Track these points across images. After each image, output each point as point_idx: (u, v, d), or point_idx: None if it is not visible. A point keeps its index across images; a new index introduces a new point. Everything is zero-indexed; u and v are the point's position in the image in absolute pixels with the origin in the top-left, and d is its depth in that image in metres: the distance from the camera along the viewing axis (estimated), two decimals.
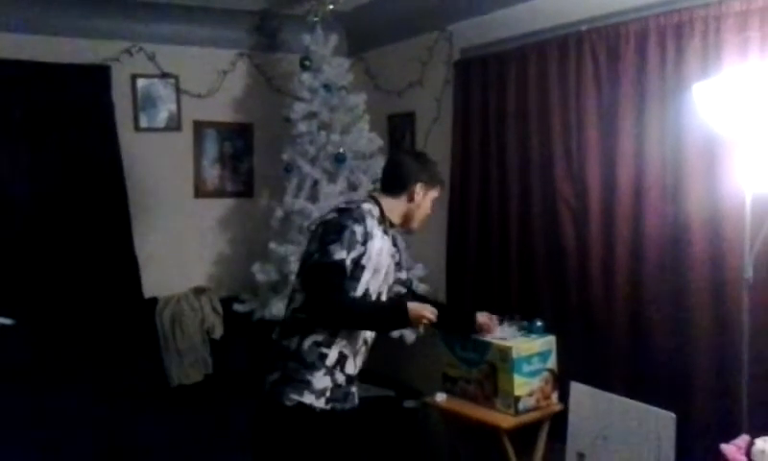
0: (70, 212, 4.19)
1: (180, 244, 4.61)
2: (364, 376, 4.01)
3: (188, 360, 4.34)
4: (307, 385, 2.49)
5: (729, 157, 2.78)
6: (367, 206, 2.60)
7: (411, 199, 2.67)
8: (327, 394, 2.52)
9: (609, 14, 3.28)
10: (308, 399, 2.49)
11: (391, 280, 2.71)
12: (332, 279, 2.44)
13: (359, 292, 2.53)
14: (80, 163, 4.21)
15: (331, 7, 4.26)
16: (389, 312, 2.63)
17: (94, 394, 3.83)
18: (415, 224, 2.74)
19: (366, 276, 2.53)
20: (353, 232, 2.47)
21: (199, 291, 4.53)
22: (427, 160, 2.78)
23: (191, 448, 3.61)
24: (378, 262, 2.56)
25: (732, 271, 2.81)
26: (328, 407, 2.52)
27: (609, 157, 3.29)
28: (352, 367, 2.62)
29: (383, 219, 2.64)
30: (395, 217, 2.68)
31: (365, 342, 2.66)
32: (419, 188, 2.67)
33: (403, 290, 2.90)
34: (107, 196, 4.28)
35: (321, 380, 2.51)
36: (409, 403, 4.28)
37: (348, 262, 2.46)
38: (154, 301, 4.38)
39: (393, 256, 2.71)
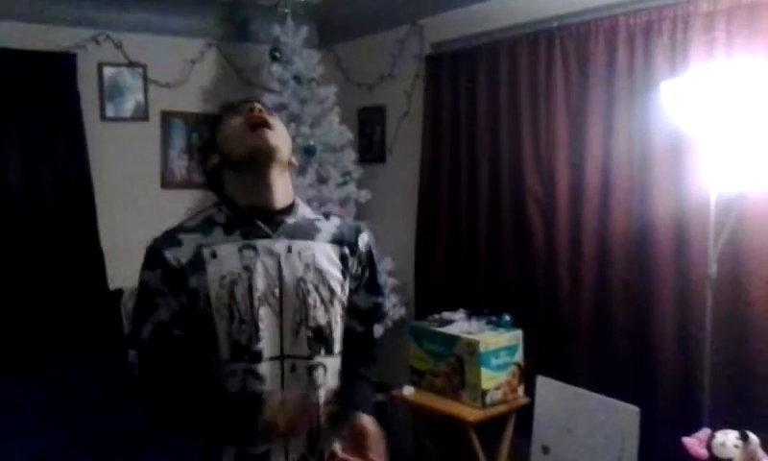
0: (33, 203, 4.10)
1: (147, 235, 4.51)
2: None
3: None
4: None
5: (694, 155, 2.83)
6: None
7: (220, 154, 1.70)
8: None
9: (579, 12, 3.31)
10: None
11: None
12: None
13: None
14: (44, 153, 4.12)
15: None
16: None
17: (57, 386, 3.77)
18: (246, 161, 1.64)
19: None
20: None
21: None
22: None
23: (156, 440, 3.57)
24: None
25: (696, 267, 2.86)
26: None
27: (577, 154, 3.33)
28: None
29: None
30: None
31: None
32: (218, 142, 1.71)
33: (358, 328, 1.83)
34: (72, 186, 4.20)
35: None
36: (376, 397, 4.28)
37: None
38: (119, 292, 4.32)
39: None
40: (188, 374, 1.64)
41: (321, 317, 1.67)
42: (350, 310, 1.77)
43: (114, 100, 4.42)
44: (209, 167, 1.74)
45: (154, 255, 1.67)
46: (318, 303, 1.66)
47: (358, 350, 1.83)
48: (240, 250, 1.62)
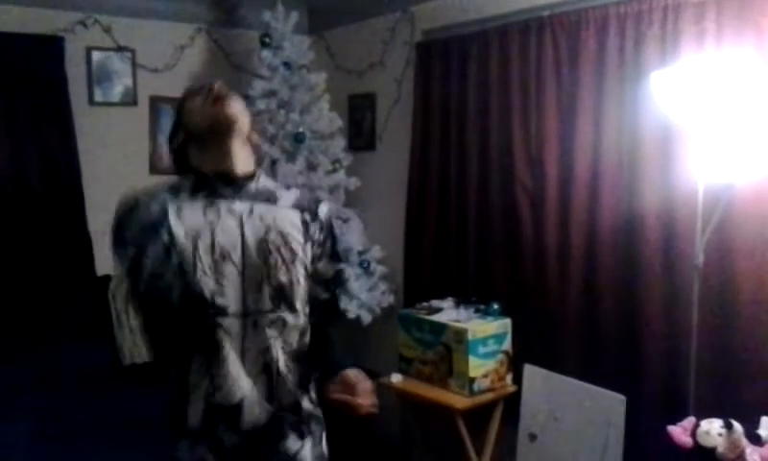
0: (20, 188, 4.07)
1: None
2: None
3: (141, 338, 4.28)
4: None
5: (683, 145, 2.84)
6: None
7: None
8: None
9: (570, 1, 3.30)
10: None
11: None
12: None
13: None
14: (31, 138, 4.09)
15: None
16: None
17: (44, 371, 3.76)
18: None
19: None
20: None
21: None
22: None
23: (144, 427, 3.57)
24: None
25: (683, 257, 2.87)
26: None
27: (567, 143, 3.33)
28: None
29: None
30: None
31: None
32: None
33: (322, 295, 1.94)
34: (59, 171, 4.17)
35: None
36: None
37: None
38: (107, 278, 4.30)
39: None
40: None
41: (282, 276, 1.76)
42: (315, 278, 1.88)
43: (102, 84, 4.39)
44: (175, 146, 1.85)
45: (127, 216, 1.76)
46: (279, 263, 1.76)
47: (326, 316, 1.96)
48: (204, 209, 1.74)
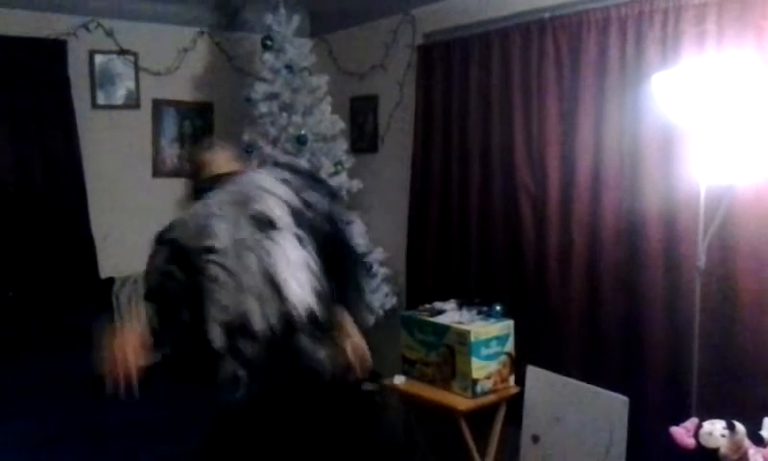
0: (24, 191, 4.09)
1: (138, 224, 4.52)
2: None
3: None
4: None
5: (684, 147, 2.84)
6: None
7: None
8: None
9: (572, 3, 3.31)
10: None
11: None
12: None
13: None
14: (35, 141, 4.10)
15: None
16: None
17: (47, 374, 3.76)
18: None
19: None
20: None
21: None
22: None
23: (147, 429, 3.58)
24: None
25: (685, 259, 2.88)
26: None
27: (568, 145, 3.33)
28: None
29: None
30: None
31: None
32: None
33: None
34: (62, 174, 4.18)
35: None
36: (367, 386, 4.29)
37: None
38: (110, 281, 4.31)
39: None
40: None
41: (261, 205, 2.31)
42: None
43: (105, 88, 4.40)
44: None
45: None
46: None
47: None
48: None
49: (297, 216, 2.30)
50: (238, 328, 2.15)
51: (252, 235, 2.22)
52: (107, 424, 3.53)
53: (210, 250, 2.18)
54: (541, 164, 3.45)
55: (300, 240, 2.26)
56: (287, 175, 2.41)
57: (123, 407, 3.63)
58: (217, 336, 2.15)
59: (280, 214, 2.27)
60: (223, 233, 2.21)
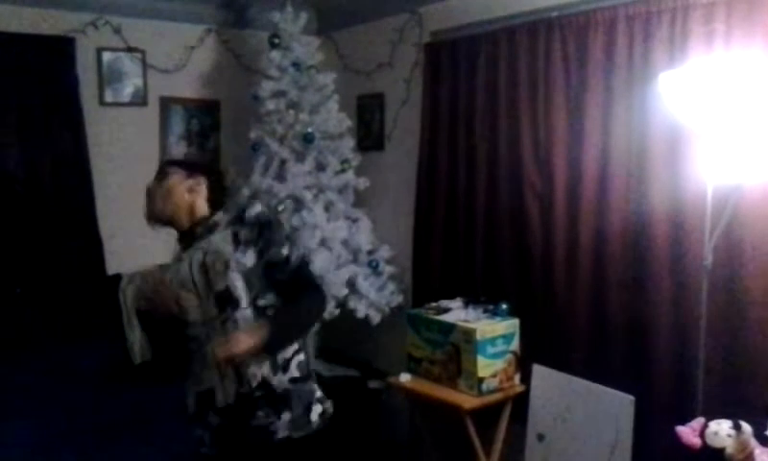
0: (32, 188, 4.10)
1: (145, 221, 4.55)
2: (329, 357, 3.98)
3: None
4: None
5: (692, 146, 2.83)
6: None
7: None
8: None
9: (579, 2, 3.30)
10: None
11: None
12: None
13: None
14: (42, 138, 4.12)
15: None
16: None
17: (56, 371, 3.78)
18: None
19: None
20: None
21: (164, 268, 4.47)
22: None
23: (155, 425, 3.59)
24: None
25: (692, 258, 2.87)
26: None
27: (575, 144, 3.33)
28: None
29: None
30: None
31: None
32: None
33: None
34: (70, 171, 4.20)
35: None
36: (374, 384, 4.31)
37: None
38: (117, 277, 4.32)
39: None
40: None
41: (220, 284, 2.26)
42: (269, 265, 2.28)
43: (113, 85, 4.41)
44: None
45: None
46: (215, 275, 2.28)
47: (290, 293, 2.32)
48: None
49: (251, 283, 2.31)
50: (206, 400, 2.34)
51: (219, 316, 2.28)
52: (111, 422, 3.55)
53: (186, 323, 2.34)
54: (548, 163, 3.45)
55: (257, 311, 2.31)
56: (237, 228, 2.32)
57: (127, 404, 3.68)
58: (191, 404, 2.40)
59: (242, 293, 2.28)
60: (194, 311, 2.33)
